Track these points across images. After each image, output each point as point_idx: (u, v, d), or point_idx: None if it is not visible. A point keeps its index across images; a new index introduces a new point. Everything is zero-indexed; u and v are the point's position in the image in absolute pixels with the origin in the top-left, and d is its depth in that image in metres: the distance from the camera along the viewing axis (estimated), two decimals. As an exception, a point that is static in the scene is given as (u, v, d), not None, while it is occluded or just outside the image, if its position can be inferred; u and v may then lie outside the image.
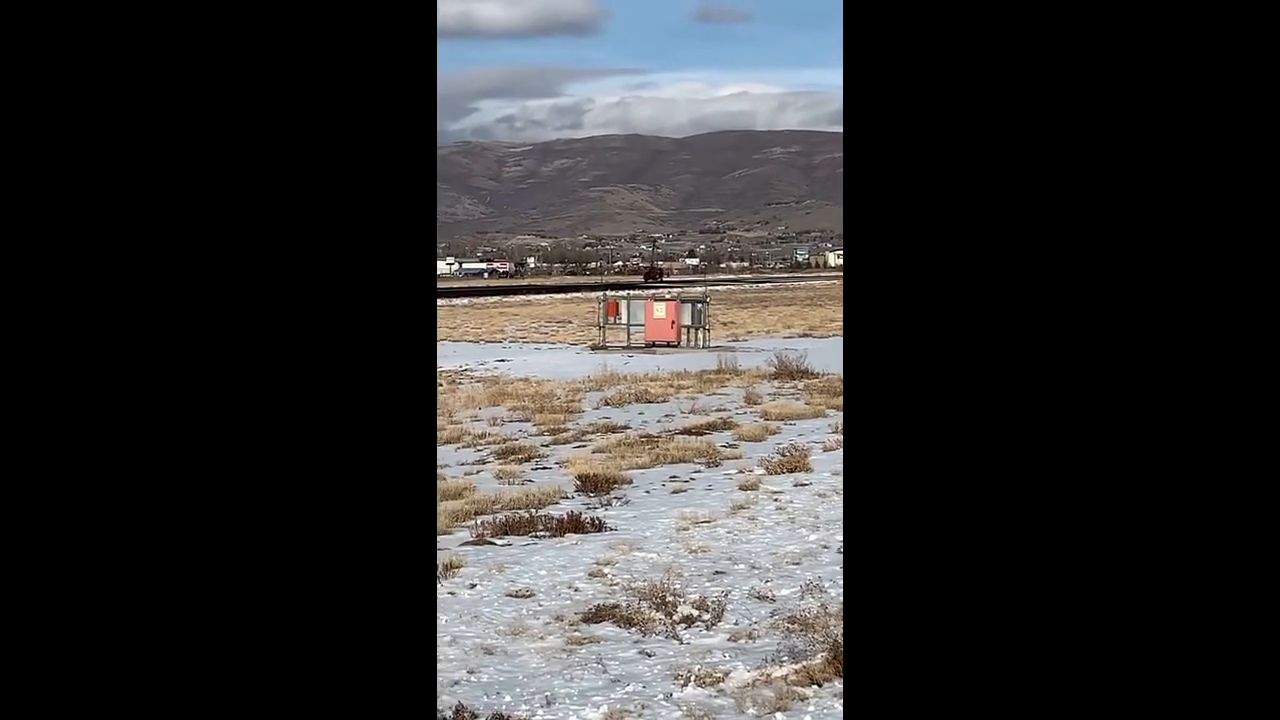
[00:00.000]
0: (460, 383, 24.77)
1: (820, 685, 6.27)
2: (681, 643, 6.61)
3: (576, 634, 6.78)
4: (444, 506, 10.92)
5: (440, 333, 43.21)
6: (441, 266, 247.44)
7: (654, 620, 6.91)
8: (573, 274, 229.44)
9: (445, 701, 5.74)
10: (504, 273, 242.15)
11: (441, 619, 7.14)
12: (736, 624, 6.95)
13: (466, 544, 9.36)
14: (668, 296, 38.42)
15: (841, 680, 6.71)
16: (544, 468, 13.71)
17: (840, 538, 6.05)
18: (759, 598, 7.45)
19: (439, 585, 8.04)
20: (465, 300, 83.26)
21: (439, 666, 6.25)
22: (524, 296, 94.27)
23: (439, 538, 9.43)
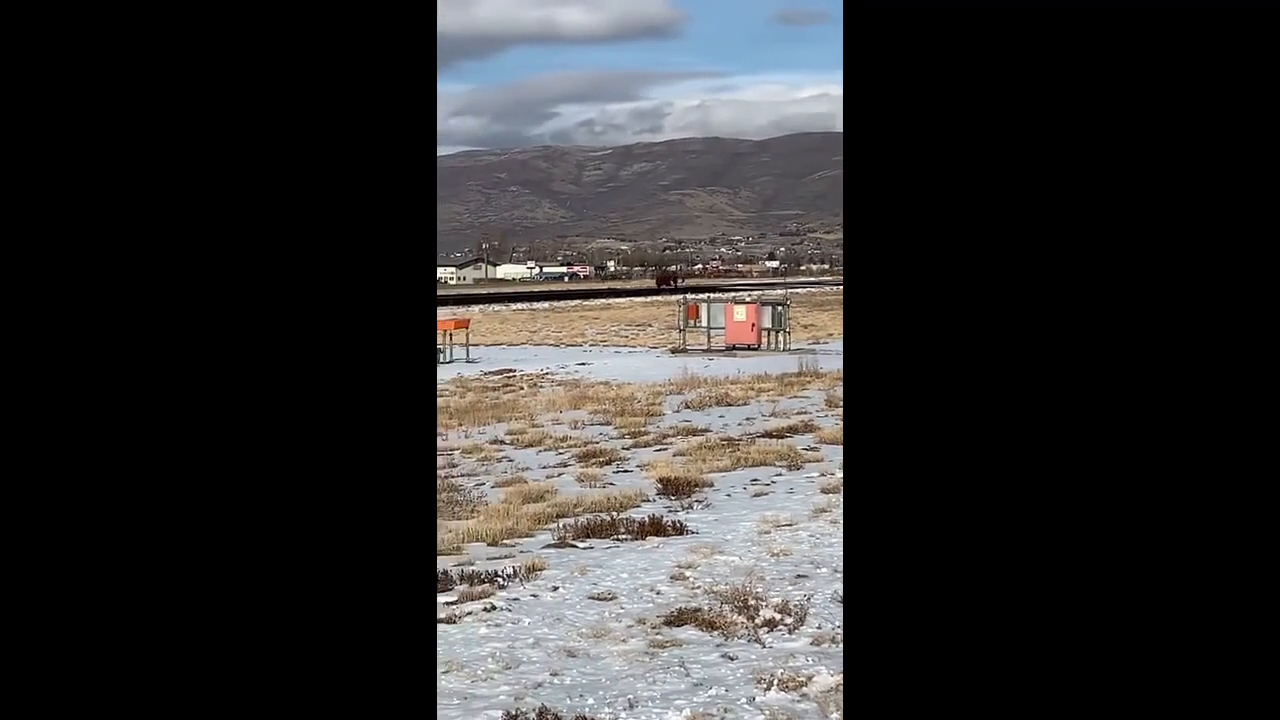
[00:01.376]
0: (541, 386, 24.81)
1: (904, 690, 6.08)
2: (764, 646, 6.60)
3: (659, 637, 6.80)
4: (526, 509, 11.07)
5: (521, 336, 43.54)
6: (521, 270, 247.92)
7: (736, 624, 6.91)
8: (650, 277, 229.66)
9: (529, 704, 5.78)
10: (584, 276, 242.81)
11: (524, 621, 7.31)
12: (819, 628, 6.93)
13: (549, 546, 9.39)
14: (748, 299, 38.33)
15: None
16: (625, 471, 13.67)
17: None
18: (842, 601, 7.25)
19: (521, 587, 8.13)
20: (546, 304, 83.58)
21: (522, 669, 7.01)
22: (604, 300, 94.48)
23: (521, 540, 9.75)
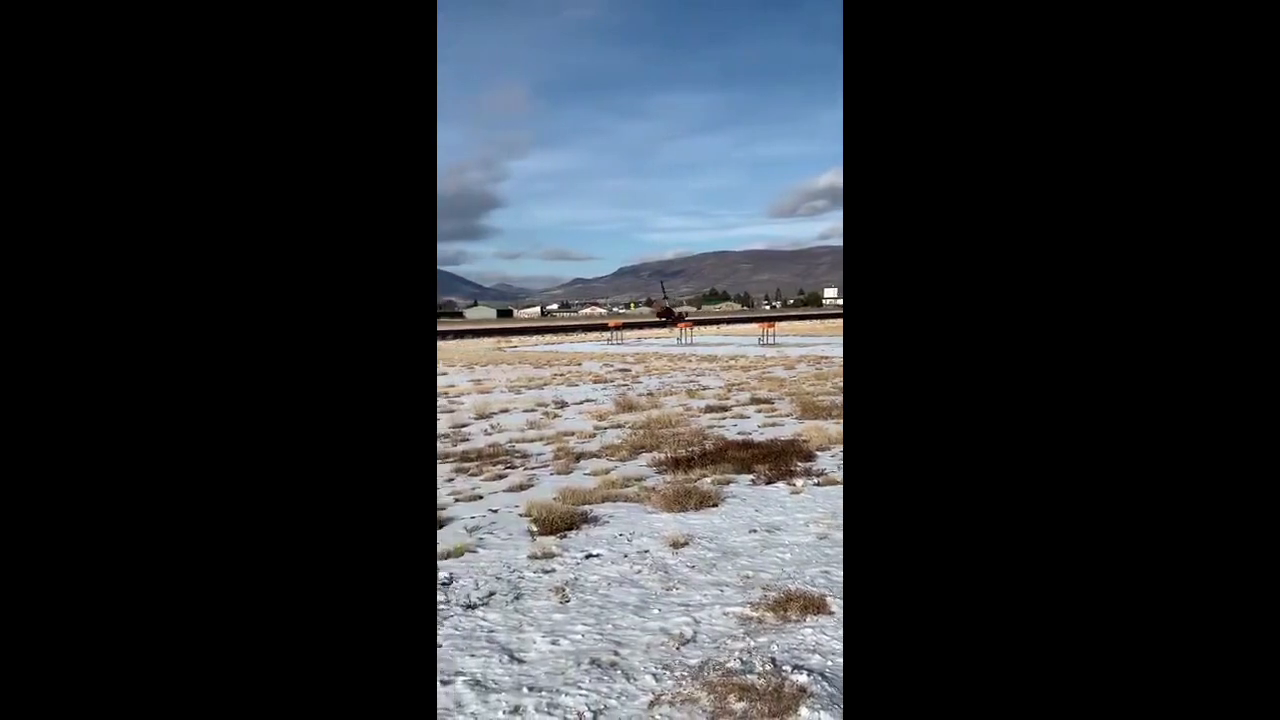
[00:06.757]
0: (720, 355, 25.39)
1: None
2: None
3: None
4: (728, 389, 12.84)
5: (714, 335, 43.10)
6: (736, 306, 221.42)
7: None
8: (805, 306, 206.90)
9: (724, 439, 7.95)
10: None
11: (730, 424, 9.08)
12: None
13: (746, 404, 10.98)
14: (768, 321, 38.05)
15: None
16: (748, 371, 15.41)
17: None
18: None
19: (738, 411, 9.91)
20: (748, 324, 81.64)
21: (729, 431, 8.56)
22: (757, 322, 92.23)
23: (731, 404, 10.93)
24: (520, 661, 3.01)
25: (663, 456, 7.26)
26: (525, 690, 2.77)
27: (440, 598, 3.74)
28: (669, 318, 51.63)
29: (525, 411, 11.05)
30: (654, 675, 2.85)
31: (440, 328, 63.04)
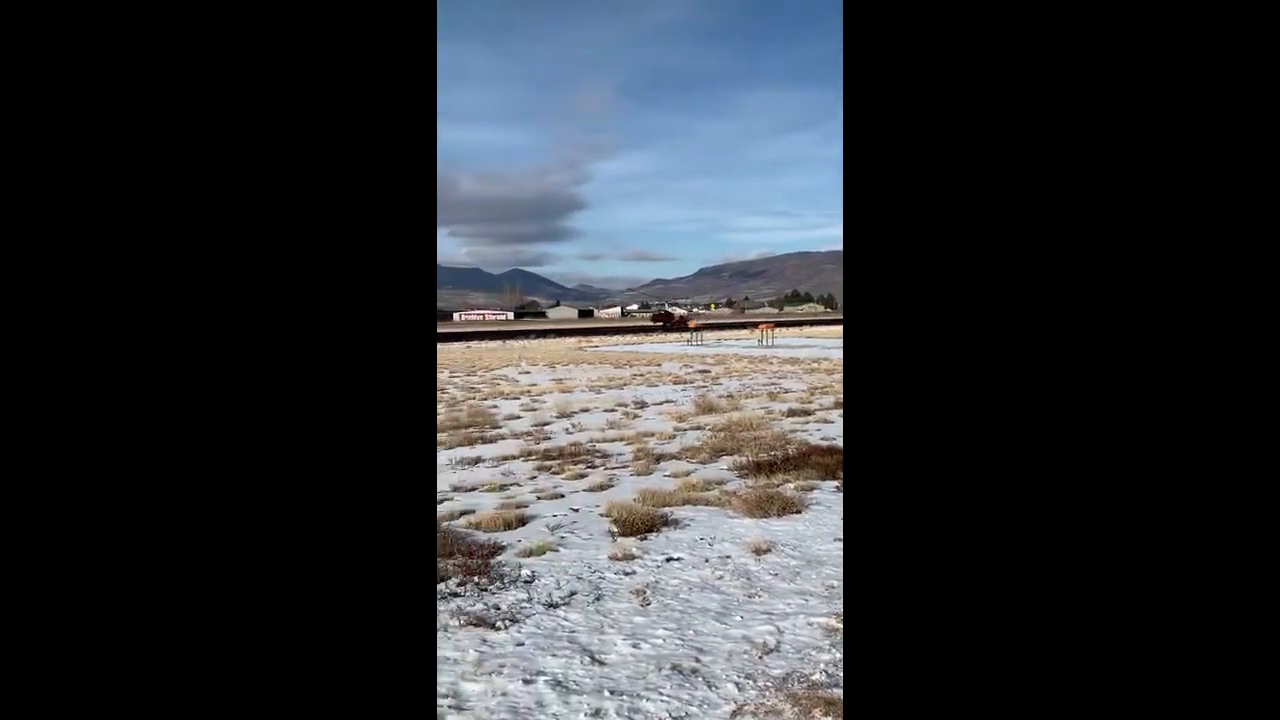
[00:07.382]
0: (802, 355, 26.48)
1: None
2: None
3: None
4: (813, 388, 13.47)
5: (796, 335, 43.83)
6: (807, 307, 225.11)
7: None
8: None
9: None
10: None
11: (814, 429, 9.44)
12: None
13: (826, 406, 11.67)
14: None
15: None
16: (821, 372, 15.67)
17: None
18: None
19: (821, 413, 10.36)
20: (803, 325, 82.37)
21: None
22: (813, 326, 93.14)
23: (814, 407, 11.31)
24: (601, 664, 3.03)
25: (744, 460, 7.21)
26: (607, 693, 2.79)
27: (523, 595, 3.81)
28: (668, 321, 45.96)
29: (605, 411, 11.31)
30: (736, 684, 2.82)
31: (524, 327, 66.92)
